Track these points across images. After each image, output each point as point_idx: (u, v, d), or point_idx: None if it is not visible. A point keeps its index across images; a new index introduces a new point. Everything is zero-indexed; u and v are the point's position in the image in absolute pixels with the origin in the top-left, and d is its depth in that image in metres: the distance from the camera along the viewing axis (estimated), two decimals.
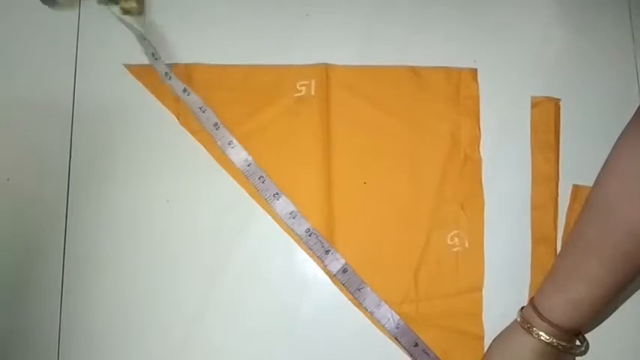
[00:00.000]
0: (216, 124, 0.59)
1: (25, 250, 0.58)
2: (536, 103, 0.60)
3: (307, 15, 0.62)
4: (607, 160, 0.49)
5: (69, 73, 0.60)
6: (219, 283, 0.57)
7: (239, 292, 0.57)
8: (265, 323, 0.56)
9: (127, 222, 0.58)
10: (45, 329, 0.56)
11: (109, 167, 0.59)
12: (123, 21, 0.60)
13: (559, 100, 0.60)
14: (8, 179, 0.59)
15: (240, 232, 0.58)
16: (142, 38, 0.60)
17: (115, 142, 0.59)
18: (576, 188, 0.59)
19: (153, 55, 0.60)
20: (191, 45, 0.61)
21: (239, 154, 0.58)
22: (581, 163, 0.59)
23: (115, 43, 0.61)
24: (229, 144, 0.58)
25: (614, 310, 0.56)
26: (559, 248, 0.58)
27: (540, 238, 0.58)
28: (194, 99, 0.59)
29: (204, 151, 0.59)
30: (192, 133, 0.59)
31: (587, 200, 0.50)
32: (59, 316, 0.56)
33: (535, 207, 0.58)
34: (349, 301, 0.56)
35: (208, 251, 0.58)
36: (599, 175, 0.49)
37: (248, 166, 0.58)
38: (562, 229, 0.58)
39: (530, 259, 0.58)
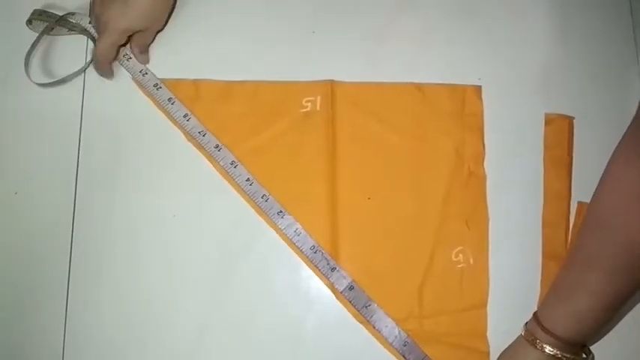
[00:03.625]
0: (217, 146, 0.59)
1: (31, 263, 0.58)
2: (550, 121, 0.60)
3: (314, 32, 0.63)
4: (603, 175, 0.49)
5: (78, 87, 0.61)
6: (224, 298, 0.57)
7: (245, 307, 0.57)
8: (271, 338, 0.56)
9: (133, 236, 0.58)
10: (50, 342, 0.56)
11: (116, 182, 0.59)
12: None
13: (573, 118, 0.60)
14: (16, 193, 0.59)
15: (246, 248, 0.58)
16: (145, 72, 0.61)
17: (123, 156, 0.60)
18: (581, 205, 0.59)
19: (155, 85, 0.60)
20: (199, 61, 0.62)
21: (241, 174, 0.58)
22: (585, 180, 0.59)
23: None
24: (232, 164, 0.59)
25: (618, 322, 0.56)
26: None
27: (551, 254, 0.58)
28: (194, 123, 0.59)
29: (211, 166, 0.59)
30: (199, 148, 0.59)
31: (586, 214, 0.51)
32: (64, 330, 0.56)
33: (546, 224, 0.58)
34: (354, 317, 0.56)
35: (214, 266, 0.58)
36: (596, 189, 0.50)
37: (250, 185, 0.58)
38: (568, 246, 0.58)
39: (539, 275, 0.57)
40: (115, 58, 0.60)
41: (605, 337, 0.56)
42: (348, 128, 0.60)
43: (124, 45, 0.59)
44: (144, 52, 0.61)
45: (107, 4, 0.56)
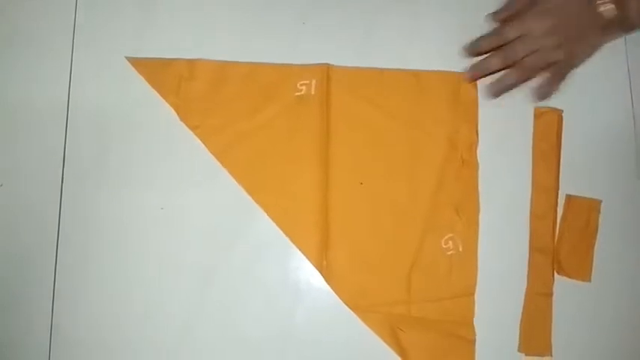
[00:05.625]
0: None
1: (17, 256, 0.57)
2: (539, 114, 0.61)
3: (304, 23, 0.62)
4: None
5: (64, 76, 0.60)
6: (213, 291, 0.57)
7: (233, 299, 0.57)
8: (259, 330, 0.56)
9: (120, 229, 0.58)
10: (36, 336, 0.56)
11: (103, 173, 0.59)
12: None
13: (562, 111, 0.61)
14: (1, 185, 0.58)
15: (235, 240, 0.58)
16: None
17: (110, 147, 0.59)
18: (570, 198, 0.59)
19: None
20: (194, 41, 0.61)
21: None
22: (574, 173, 0.60)
23: (112, 40, 0.61)
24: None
25: None
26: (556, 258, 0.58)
27: (538, 247, 0.58)
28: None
29: (200, 156, 0.59)
30: (192, 128, 0.59)
31: None
32: (50, 323, 0.56)
33: (535, 216, 0.59)
34: (343, 308, 0.56)
35: (202, 259, 0.57)
36: None
37: None
38: (556, 238, 0.59)
39: (526, 266, 0.58)
40: None
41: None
42: (342, 113, 0.60)
43: None
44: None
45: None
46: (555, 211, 0.59)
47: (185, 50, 0.61)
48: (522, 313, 0.57)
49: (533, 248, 0.58)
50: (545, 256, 0.58)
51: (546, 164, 0.60)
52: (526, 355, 0.56)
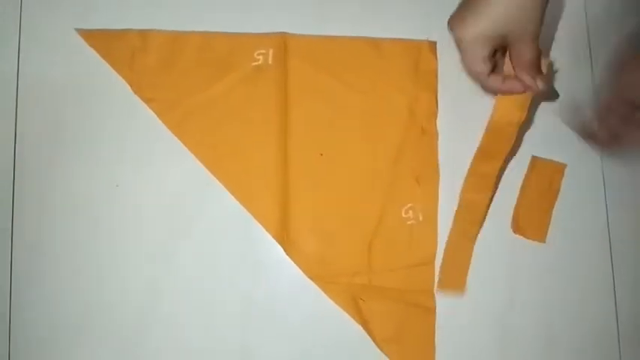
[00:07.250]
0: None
1: None
2: None
3: None
4: None
5: (12, 47, 0.58)
6: (172, 267, 0.56)
7: (193, 274, 0.57)
8: (221, 304, 0.56)
9: (75, 207, 0.57)
10: None
11: (56, 150, 0.57)
12: None
13: None
14: None
15: (194, 214, 0.57)
16: None
17: (63, 123, 0.58)
18: (535, 159, 0.60)
19: None
20: (146, 10, 0.59)
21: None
22: (539, 135, 0.60)
23: (61, 11, 0.59)
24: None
25: None
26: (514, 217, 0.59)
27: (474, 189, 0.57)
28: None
29: (156, 130, 0.58)
30: (147, 101, 0.58)
31: None
32: (9, 306, 0.55)
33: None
34: (304, 279, 0.57)
35: (161, 235, 0.57)
36: None
37: None
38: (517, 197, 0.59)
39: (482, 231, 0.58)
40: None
41: None
42: (300, 83, 0.59)
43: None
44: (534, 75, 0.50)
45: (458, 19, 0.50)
46: (499, 177, 0.58)
47: (137, 20, 0.59)
48: (444, 252, 0.57)
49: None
50: (478, 198, 0.57)
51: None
52: (440, 290, 0.57)
